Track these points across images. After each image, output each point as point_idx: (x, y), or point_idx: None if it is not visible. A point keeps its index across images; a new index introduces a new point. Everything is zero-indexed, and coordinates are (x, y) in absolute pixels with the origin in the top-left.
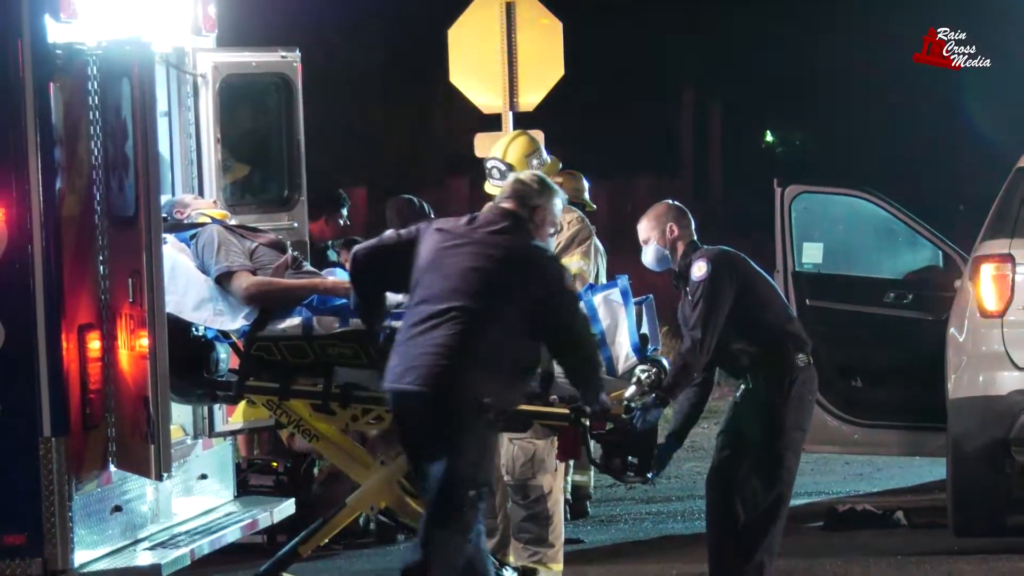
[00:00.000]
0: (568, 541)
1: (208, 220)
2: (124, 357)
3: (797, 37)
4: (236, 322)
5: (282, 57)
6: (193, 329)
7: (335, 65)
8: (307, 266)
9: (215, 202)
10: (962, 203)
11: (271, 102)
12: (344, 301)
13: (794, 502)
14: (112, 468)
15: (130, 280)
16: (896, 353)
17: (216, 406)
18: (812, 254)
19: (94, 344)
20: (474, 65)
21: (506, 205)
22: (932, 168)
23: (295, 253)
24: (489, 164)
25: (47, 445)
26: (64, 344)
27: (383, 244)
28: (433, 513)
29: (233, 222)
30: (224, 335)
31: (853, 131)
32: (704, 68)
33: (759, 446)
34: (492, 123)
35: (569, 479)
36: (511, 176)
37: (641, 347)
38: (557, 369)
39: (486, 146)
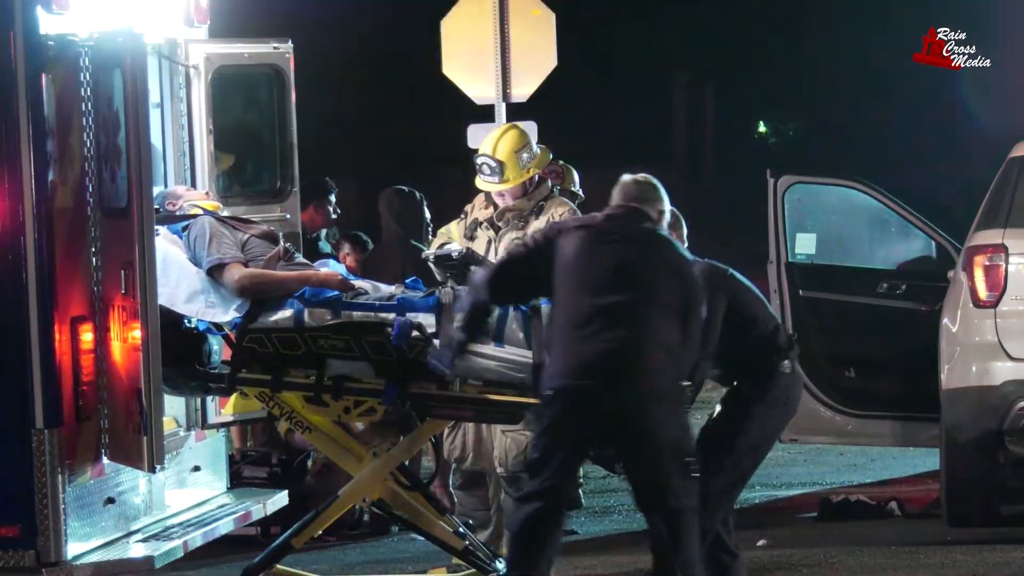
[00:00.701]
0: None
1: (200, 212)
2: (117, 349)
3: (790, 24)
4: (228, 314)
5: (275, 48)
6: (185, 321)
7: (328, 56)
8: (299, 258)
9: (207, 193)
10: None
11: (264, 93)
12: (336, 293)
13: (788, 492)
14: (105, 460)
15: (123, 271)
16: (889, 343)
17: (209, 398)
18: (805, 245)
19: (87, 336)
20: (467, 56)
21: (635, 205)
22: (928, 158)
23: (287, 244)
24: (479, 160)
25: (40, 437)
26: (57, 336)
27: (516, 258)
28: (673, 494)
29: (225, 213)
30: (216, 327)
31: (846, 121)
32: (697, 57)
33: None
34: (485, 114)
35: None
36: (626, 178)
37: None
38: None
39: (479, 137)
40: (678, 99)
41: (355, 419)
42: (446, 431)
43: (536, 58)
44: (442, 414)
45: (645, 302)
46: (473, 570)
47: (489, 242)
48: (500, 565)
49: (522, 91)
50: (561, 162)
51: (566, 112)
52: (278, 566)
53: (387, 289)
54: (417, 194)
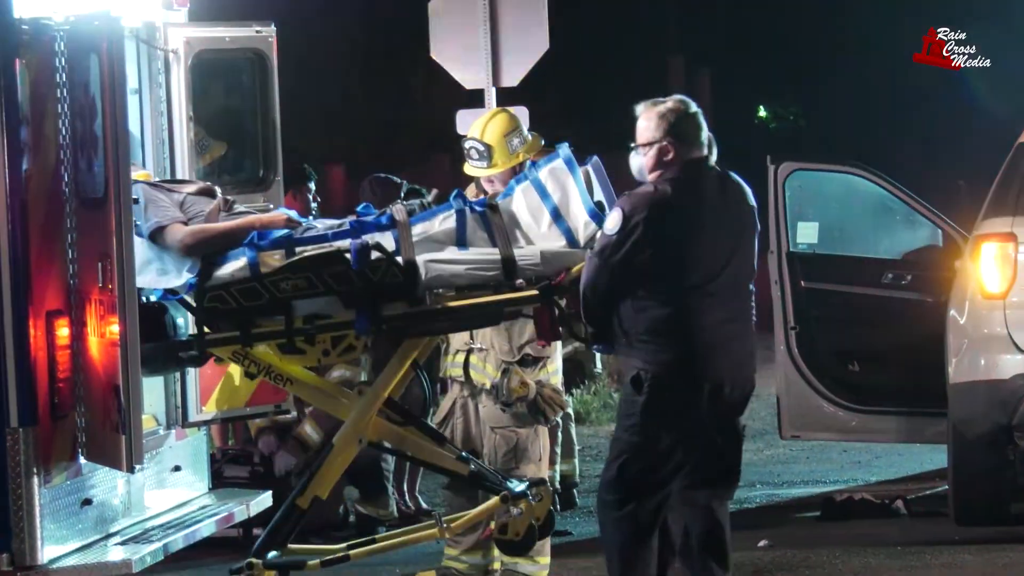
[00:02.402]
0: (556, 533)
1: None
2: (94, 344)
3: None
4: (181, 277)
5: (256, 32)
6: (141, 297)
7: (311, 40)
8: (240, 207)
9: (133, 164)
10: (962, 180)
11: (245, 79)
12: (286, 232)
13: (790, 491)
14: (82, 460)
15: (100, 264)
16: (894, 336)
17: (190, 394)
18: (807, 234)
19: (62, 331)
20: (455, 39)
21: (700, 154)
22: (932, 144)
23: (227, 197)
24: (467, 145)
25: (14, 436)
26: (31, 331)
27: (628, 263)
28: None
29: (155, 179)
30: (172, 293)
31: (849, 106)
32: (694, 39)
33: None
34: (475, 99)
35: (556, 469)
36: (657, 110)
37: (598, 212)
38: (517, 253)
39: (468, 123)
40: (674, 82)
41: (336, 359)
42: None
43: (527, 41)
44: (419, 331)
45: (749, 275)
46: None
47: None
48: (512, 484)
49: (513, 75)
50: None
51: (557, 96)
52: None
53: (338, 222)
54: (397, 179)
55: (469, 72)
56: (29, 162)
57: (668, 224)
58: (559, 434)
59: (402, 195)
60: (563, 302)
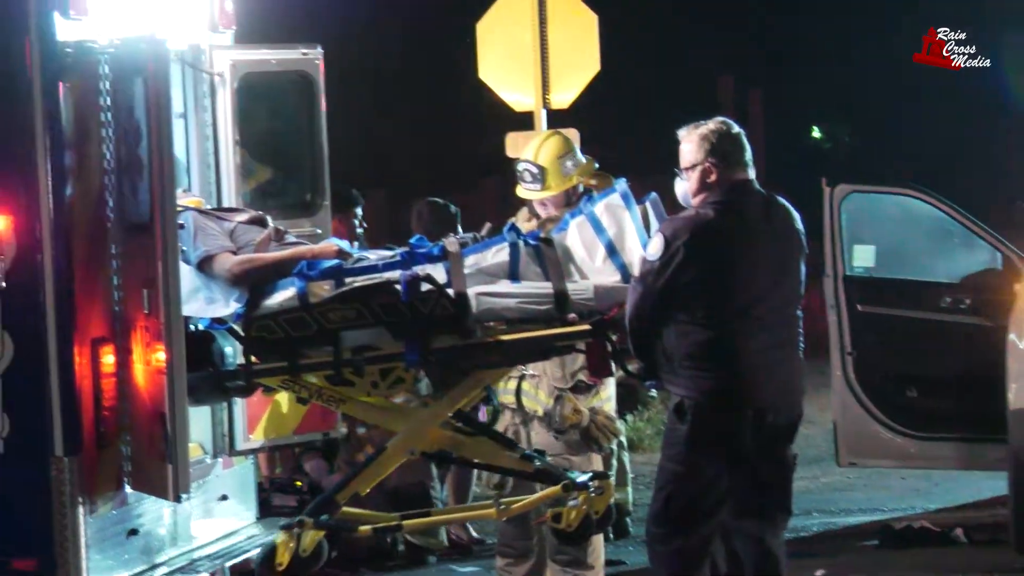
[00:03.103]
0: (608, 563)
1: (180, 209)
2: (139, 372)
3: (844, 20)
4: (228, 306)
5: (303, 54)
6: (189, 326)
7: (358, 62)
8: (291, 237)
9: (184, 191)
10: (1022, 201)
11: (292, 102)
12: (336, 262)
13: (847, 519)
14: (127, 489)
15: (145, 290)
16: (953, 361)
17: (237, 422)
18: (863, 257)
19: (108, 358)
20: (505, 61)
21: (745, 175)
22: (987, 165)
23: (279, 227)
24: (520, 167)
25: (59, 465)
26: (76, 359)
27: (671, 287)
28: (785, 525)
29: (207, 207)
30: (219, 322)
31: (905, 127)
32: (745, 57)
33: None
34: (524, 122)
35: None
36: (699, 134)
37: None
38: (570, 287)
39: (518, 146)
40: (724, 102)
41: (384, 391)
42: None
43: (578, 62)
44: (469, 365)
45: (795, 300)
46: None
47: None
48: (574, 475)
49: (563, 97)
50: (603, 172)
51: (608, 118)
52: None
53: (389, 252)
54: (451, 207)
55: (519, 94)
56: (73, 187)
57: (710, 248)
58: (612, 462)
59: (458, 222)
60: (615, 337)
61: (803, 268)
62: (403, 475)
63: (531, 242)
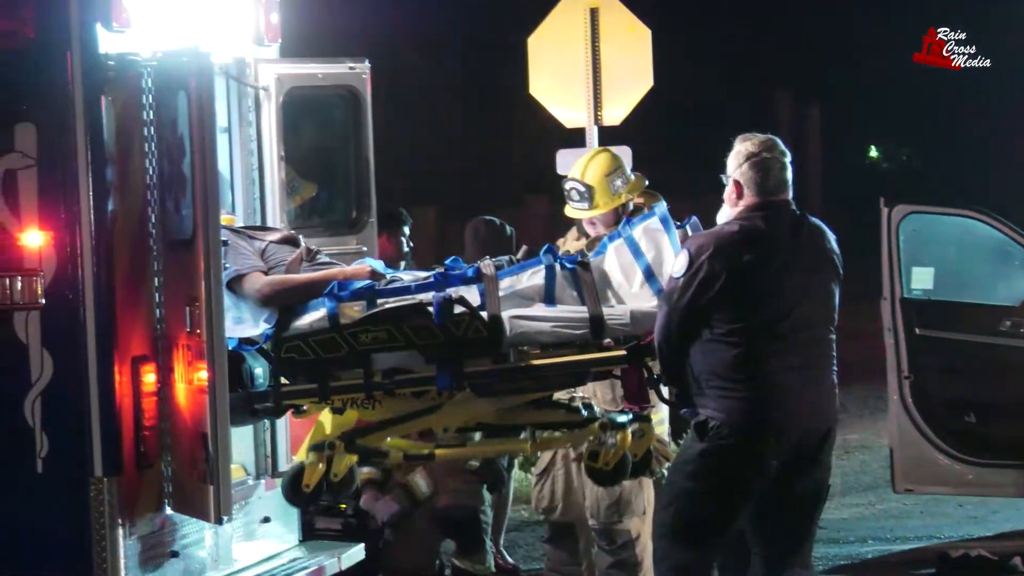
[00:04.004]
0: None
1: None
2: (181, 391)
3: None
4: (258, 327)
5: (350, 68)
6: None
7: (406, 77)
8: (323, 257)
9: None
10: None
11: (338, 117)
12: (368, 283)
13: (903, 547)
14: (168, 511)
15: (187, 308)
16: (1012, 386)
17: (280, 443)
18: (922, 279)
19: (149, 377)
20: (556, 76)
21: (779, 196)
22: None
23: (310, 245)
24: (568, 185)
25: (98, 486)
26: (117, 377)
27: (695, 304)
28: (809, 557)
29: (239, 225)
30: (249, 343)
31: (965, 146)
32: (801, 73)
33: None
34: (575, 138)
35: None
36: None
37: None
38: (606, 311)
39: (569, 163)
40: (781, 119)
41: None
42: (533, 480)
43: (630, 78)
44: (502, 390)
45: (833, 330)
46: None
47: None
48: (614, 415)
49: (615, 114)
50: (651, 191)
51: (661, 135)
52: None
53: (424, 274)
54: (508, 228)
55: (570, 110)
56: (115, 203)
57: (733, 263)
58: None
59: (514, 244)
60: (652, 363)
61: (836, 290)
62: (454, 498)
63: (568, 265)
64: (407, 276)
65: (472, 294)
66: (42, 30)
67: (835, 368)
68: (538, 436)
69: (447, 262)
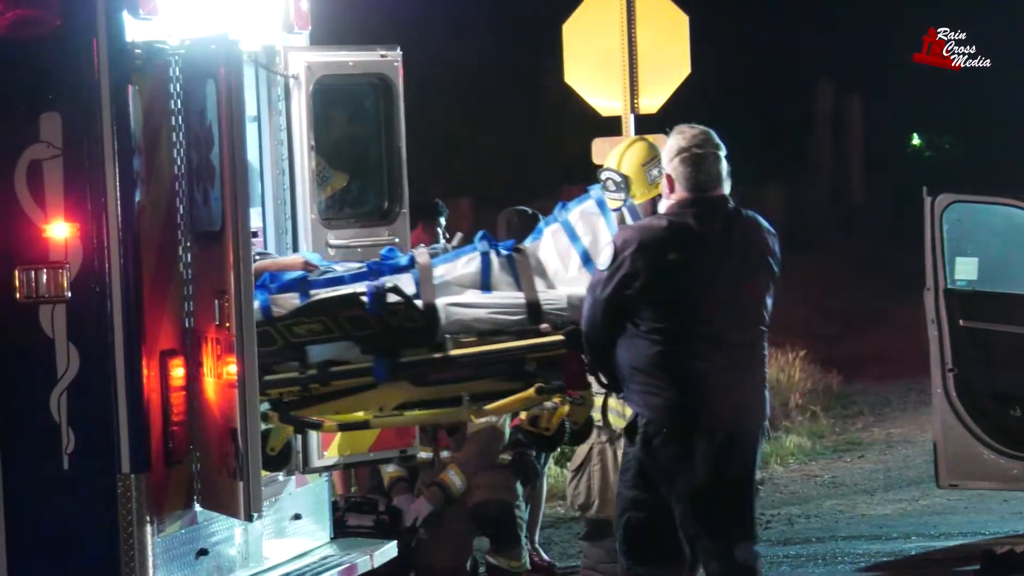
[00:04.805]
0: None
1: None
2: (210, 386)
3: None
4: None
5: (382, 56)
6: None
7: (439, 65)
8: (257, 250)
9: None
10: None
11: (370, 105)
12: (300, 274)
13: (946, 542)
14: (197, 508)
15: (216, 301)
16: None
17: (312, 438)
18: (966, 270)
19: (177, 371)
20: (591, 64)
21: (722, 191)
22: None
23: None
24: (603, 175)
25: (126, 483)
26: (144, 372)
27: (616, 298)
28: (752, 535)
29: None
30: None
31: (1010, 133)
32: (842, 62)
33: None
34: (611, 127)
35: None
36: (679, 146)
37: None
38: (543, 297)
39: (604, 152)
40: (822, 108)
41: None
42: (569, 476)
43: (667, 65)
44: (439, 379)
45: (766, 331)
46: None
47: None
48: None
49: (652, 101)
50: None
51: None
52: None
53: (358, 264)
54: (541, 218)
55: (605, 98)
56: (142, 194)
57: (658, 260)
58: None
59: None
60: None
61: (770, 289)
62: (488, 493)
63: (503, 251)
64: (340, 267)
65: (408, 283)
66: (68, 18)
67: (766, 368)
68: (476, 406)
69: (382, 252)
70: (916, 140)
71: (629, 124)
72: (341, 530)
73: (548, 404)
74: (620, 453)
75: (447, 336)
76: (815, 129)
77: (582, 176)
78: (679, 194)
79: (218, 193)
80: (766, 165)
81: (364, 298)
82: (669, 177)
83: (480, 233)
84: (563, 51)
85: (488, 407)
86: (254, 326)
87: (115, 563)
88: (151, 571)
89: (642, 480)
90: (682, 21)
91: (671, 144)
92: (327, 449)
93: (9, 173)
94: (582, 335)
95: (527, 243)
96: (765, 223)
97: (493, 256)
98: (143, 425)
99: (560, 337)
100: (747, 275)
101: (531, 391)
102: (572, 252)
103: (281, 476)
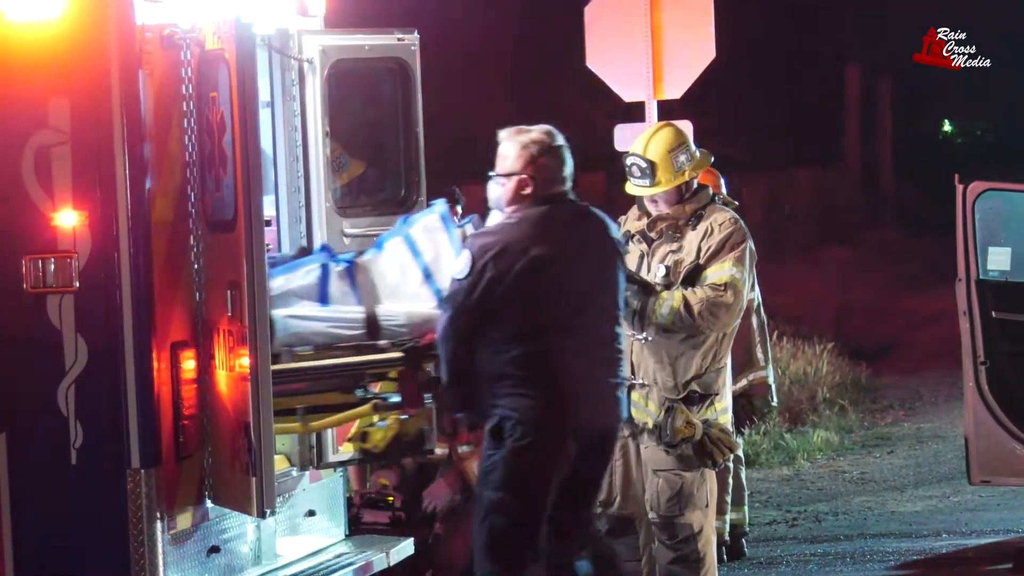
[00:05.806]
0: None
1: None
2: (222, 379)
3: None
4: None
5: (399, 40)
6: None
7: (457, 50)
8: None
9: None
10: None
11: (386, 91)
12: None
13: (978, 540)
14: (209, 504)
15: (229, 292)
16: None
17: (326, 433)
18: (999, 260)
19: (188, 364)
20: (614, 48)
21: (561, 189)
22: None
23: None
24: (629, 161)
25: (135, 478)
26: (154, 364)
27: (483, 304)
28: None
29: None
30: None
31: None
32: (872, 46)
33: None
34: (634, 113)
35: (726, 518)
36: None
37: None
38: (381, 311)
39: (627, 138)
40: (851, 93)
41: None
42: None
43: (692, 50)
44: (276, 393)
45: (613, 315)
46: None
47: (642, 256)
48: (386, 396)
49: (676, 87)
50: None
51: (723, 110)
52: None
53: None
54: None
55: (628, 84)
56: (152, 182)
57: (518, 263)
58: (728, 479)
59: None
60: (429, 366)
61: (622, 281)
62: None
63: (342, 263)
64: None
65: None
66: (77, 0)
67: (621, 366)
68: (307, 418)
69: None
70: (947, 126)
71: (652, 110)
72: (356, 527)
73: (380, 422)
74: (643, 448)
75: (284, 348)
76: (844, 115)
77: (602, 163)
78: (537, 192)
79: (231, 181)
80: (794, 151)
81: None
82: (525, 178)
83: (320, 245)
84: (585, 35)
85: (314, 423)
86: (267, 318)
87: (125, 560)
88: (161, 569)
89: (507, 483)
90: (707, 4)
91: (527, 142)
92: (342, 444)
93: (16, 160)
94: (438, 349)
95: (367, 256)
96: (607, 218)
97: (332, 268)
98: (153, 419)
99: (399, 354)
100: (603, 270)
101: (367, 407)
102: (414, 267)
103: (295, 472)
